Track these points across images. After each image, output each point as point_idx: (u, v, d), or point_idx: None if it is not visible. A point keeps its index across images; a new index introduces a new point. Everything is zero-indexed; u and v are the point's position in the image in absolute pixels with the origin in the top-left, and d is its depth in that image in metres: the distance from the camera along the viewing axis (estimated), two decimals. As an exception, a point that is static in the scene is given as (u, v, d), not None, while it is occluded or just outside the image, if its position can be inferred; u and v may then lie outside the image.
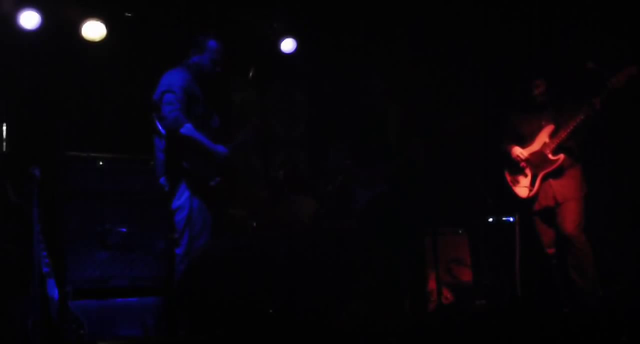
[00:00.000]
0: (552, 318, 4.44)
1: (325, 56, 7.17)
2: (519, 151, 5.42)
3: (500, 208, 6.48)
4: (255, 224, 6.26)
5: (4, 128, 5.15)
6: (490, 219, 6.70)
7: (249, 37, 6.62)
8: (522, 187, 5.40)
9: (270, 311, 4.15)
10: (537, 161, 5.34)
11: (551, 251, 5.36)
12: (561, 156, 5.27)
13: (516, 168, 5.46)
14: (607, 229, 6.09)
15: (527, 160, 5.38)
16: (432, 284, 5.90)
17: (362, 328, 4.90)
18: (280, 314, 4.15)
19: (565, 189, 5.27)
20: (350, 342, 4.01)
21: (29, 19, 6.00)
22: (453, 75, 7.12)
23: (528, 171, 5.39)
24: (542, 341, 4.05)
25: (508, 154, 5.47)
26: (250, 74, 6.29)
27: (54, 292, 4.76)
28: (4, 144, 5.18)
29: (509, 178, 5.51)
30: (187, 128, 4.66)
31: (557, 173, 5.30)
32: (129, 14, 6.49)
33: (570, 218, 5.22)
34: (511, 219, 6.55)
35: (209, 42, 4.96)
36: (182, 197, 4.68)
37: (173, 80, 4.76)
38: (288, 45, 6.95)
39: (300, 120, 7.69)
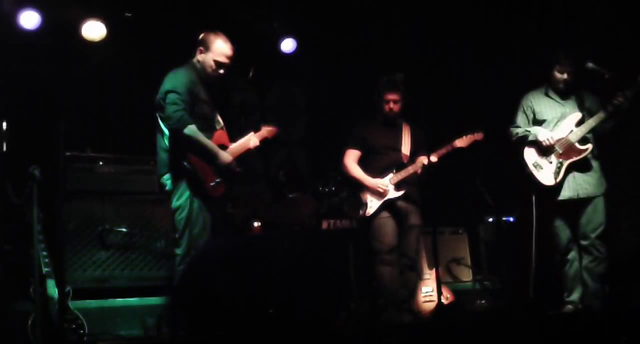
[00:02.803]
0: (552, 318, 4.44)
1: (325, 56, 7.18)
2: (548, 135, 5.17)
3: (500, 208, 6.48)
4: (255, 224, 6.26)
5: (4, 128, 5.14)
6: (490, 219, 6.70)
7: (249, 37, 6.61)
8: (547, 174, 5.17)
9: (270, 311, 4.15)
10: (563, 148, 5.15)
11: (567, 247, 5.24)
12: (589, 146, 5.13)
13: (541, 152, 5.22)
14: (607, 229, 6.09)
15: (554, 145, 5.16)
16: (432, 284, 5.90)
17: (362, 328, 4.89)
18: (280, 314, 4.15)
19: (588, 184, 5.15)
20: (350, 342, 4.00)
21: (29, 19, 6.01)
22: (453, 75, 7.13)
23: (553, 158, 5.17)
24: (543, 341, 4.04)
25: (534, 135, 5.21)
26: (250, 74, 6.29)
27: (54, 292, 4.76)
28: (4, 144, 5.17)
29: (531, 162, 5.25)
30: (190, 129, 4.61)
31: (582, 165, 5.15)
32: (129, 14, 6.49)
33: (595, 223, 5.14)
34: (511, 219, 6.55)
35: (215, 41, 4.84)
36: (182, 197, 4.66)
37: (177, 80, 4.71)
38: (288, 45, 6.95)
39: (300, 120, 7.70)
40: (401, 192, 5.45)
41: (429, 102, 5.61)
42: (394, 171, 5.48)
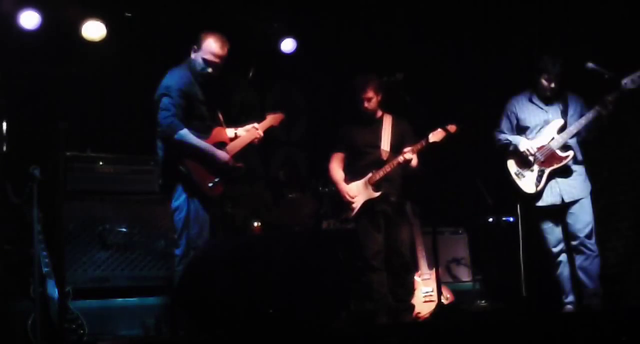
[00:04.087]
0: (552, 318, 4.44)
1: (325, 56, 7.18)
2: (528, 145, 5.22)
3: (500, 208, 6.48)
4: (255, 224, 6.26)
5: (4, 127, 5.14)
6: (490, 219, 6.70)
7: (249, 37, 6.62)
8: (529, 182, 5.22)
9: (270, 311, 4.15)
10: (544, 156, 5.19)
11: (556, 249, 5.27)
12: (570, 153, 5.16)
13: (522, 161, 5.27)
14: (607, 229, 6.10)
15: (534, 155, 5.21)
16: (432, 284, 5.90)
17: (362, 328, 4.89)
18: (280, 314, 4.15)
19: (573, 188, 5.17)
20: (350, 342, 4.00)
21: (29, 19, 6.01)
22: (453, 75, 7.12)
23: (535, 166, 5.22)
24: (543, 341, 4.04)
25: (515, 146, 5.28)
26: (250, 74, 6.29)
27: (54, 292, 4.76)
28: (4, 144, 5.17)
29: (513, 170, 5.32)
30: (180, 134, 4.58)
31: (564, 171, 5.18)
32: (129, 14, 6.49)
33: (583, 222, 5.15)
34: (511, 219, 6.55)
35: (206, 40, 4.79)
36: (180, 199, 4.64)
37: (172, 81, 4.68)
38: (288, 45, 6.95)
39: (300, 120, 7.69)
40: (379, 193, 5.37)
41: (429, 102, 5.61)
42: (373, 170, 5.41)
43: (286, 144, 7.53)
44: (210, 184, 4.67)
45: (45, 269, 4.79)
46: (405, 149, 5.32)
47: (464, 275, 6.65)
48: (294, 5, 6.79)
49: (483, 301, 6.36)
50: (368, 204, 5.41)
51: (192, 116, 4.72)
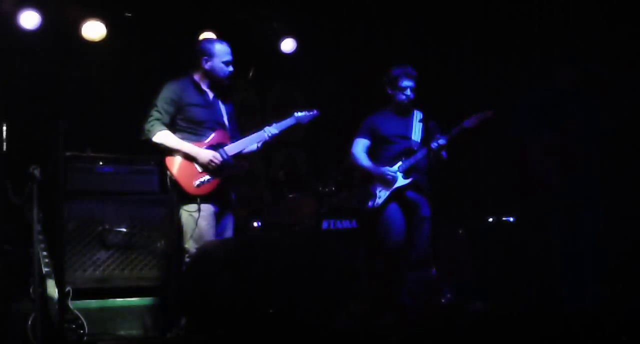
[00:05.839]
0: (552, 318, 4.44)
1: (325, 56, 7.18)
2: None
3: (500, 208, 6.49)
4: (255, 224, 6.26)
5: (4, 128, 5.14)
6: (490, 219, 6.70)
7: (249, 37, 6.62)
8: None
9: (270, 311, 4.15)
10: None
11: (563, 249, 5.24)
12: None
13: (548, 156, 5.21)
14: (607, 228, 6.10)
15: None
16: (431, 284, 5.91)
17: (362, 328, 4.90)
18: (280, 314, 4.15)
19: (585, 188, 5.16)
20: (350, 342, 4.01)
21: (29, 19, 6.01)
22: (453, 75, 7.12)
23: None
24: (542, 341, 4.05)
25: (541, 138, 5.23)
26: (250, 74, 6.29)
27: (54, 292, 4.76)
28: (4, 144, 5.17)
29: (537, 160, 5.25)
30: (159, 136, 4.70)
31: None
32: (129, 14, 6.50)
33: (592, 223, 5.16)
34: (511, 219, 6.56)
35: (214, 45, 4.89)
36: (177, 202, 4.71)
37: (161, 91, 4.82)
38: (288, 45, 6.96)
39: (300, 120, 7.68)
40: (409, 180, 5.26)
41: (429, 101, 5.61)
42: (403, 158, 5.33)
43: (286, 144, 7.52)
44: (197, 183, 4.70)
45: (45, 269, 4.79)
46: (439, 135, 5.21)
47: (464, 275, 6.64)
48: (294, 5, 6.79)
49: (483, 301, 6.35)
50: (397, 192, 5.30)
51: (187, 120, 4.80)
